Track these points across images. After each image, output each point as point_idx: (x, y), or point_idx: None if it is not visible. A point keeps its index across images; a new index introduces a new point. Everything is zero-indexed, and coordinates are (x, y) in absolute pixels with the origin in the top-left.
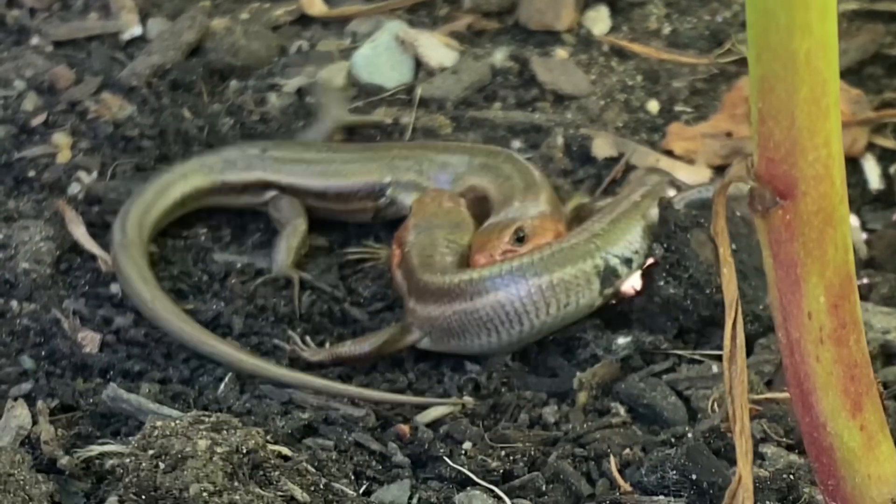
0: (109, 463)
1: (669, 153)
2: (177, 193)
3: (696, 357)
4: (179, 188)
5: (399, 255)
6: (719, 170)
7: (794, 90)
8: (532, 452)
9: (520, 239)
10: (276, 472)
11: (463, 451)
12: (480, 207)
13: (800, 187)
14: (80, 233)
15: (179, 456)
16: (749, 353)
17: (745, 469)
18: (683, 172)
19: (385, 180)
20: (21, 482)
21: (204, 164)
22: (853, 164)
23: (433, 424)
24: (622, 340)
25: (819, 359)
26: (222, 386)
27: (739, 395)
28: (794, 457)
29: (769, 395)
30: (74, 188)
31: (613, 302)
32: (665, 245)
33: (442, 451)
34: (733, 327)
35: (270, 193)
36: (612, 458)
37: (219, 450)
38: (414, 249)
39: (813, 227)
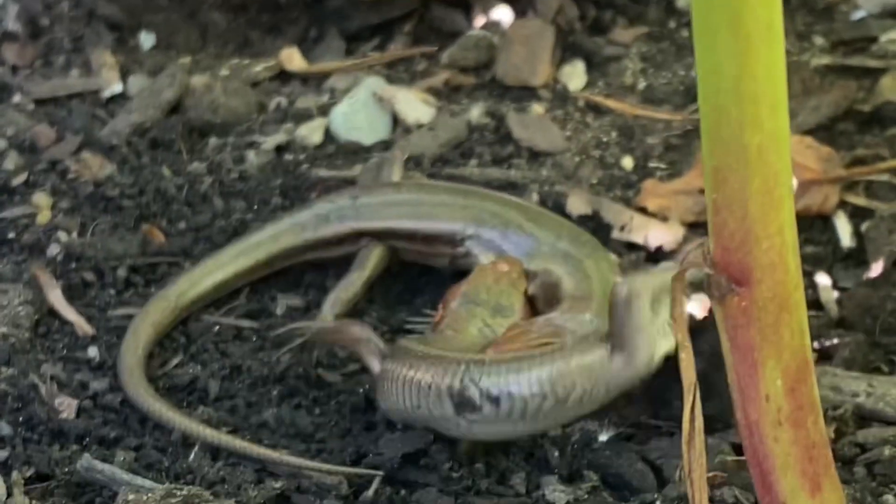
0: None
1: (643, 210)
2: (261, 255)
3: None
4: (265, 249)
5: (440, 317)
6: (692, 227)
7: (747, 182)
8: None
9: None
10: None
11: None
12: (550, 293)
13: (755, 275)
14: (55, 297)
15: None
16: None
17: None
18: (657, 230)
19: (467, 231)
20: None
21: (295, 223)
22: (825, 222)
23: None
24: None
25: (777, 440)
26: (192, 455)
27: (698, 477)
28: None
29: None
30: (53, 249)
31: None
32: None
33: None
34: (692, 411)
35: (365, 241)
36: None
37: None
38: (449, 317)
39: (769, 312)
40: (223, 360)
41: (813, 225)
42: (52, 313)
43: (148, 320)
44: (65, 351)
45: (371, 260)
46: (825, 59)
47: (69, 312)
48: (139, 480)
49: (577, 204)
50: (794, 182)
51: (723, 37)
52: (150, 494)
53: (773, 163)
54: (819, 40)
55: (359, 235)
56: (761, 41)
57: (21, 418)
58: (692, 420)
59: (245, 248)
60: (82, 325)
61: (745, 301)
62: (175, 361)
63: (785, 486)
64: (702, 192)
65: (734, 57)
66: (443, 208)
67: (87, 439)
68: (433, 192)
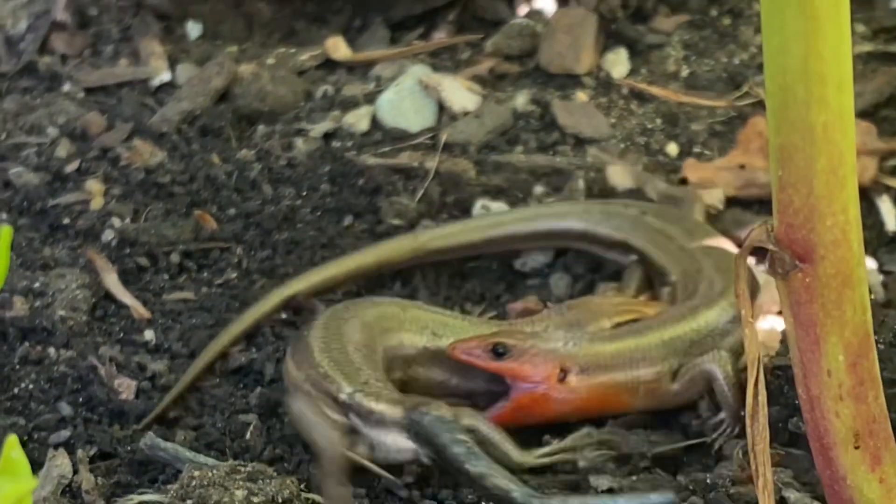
0: None
1: (684, 181)
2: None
3: None
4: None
5: None
6: (733, 200)
7: (813, 160)
8: None
9: (498, 353)
10: None
11: None
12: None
13: (818, 252)
14: (111, 281)
15: None
16: None
17: None
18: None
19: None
20: None
21: (586, 210)
22: (869, 206)
23: None
24: None
25: (839, 415)
26: (249, 433)
27: (761, 451)
28: None
29: None
30: (108, 235)
31: None
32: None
33: None
34: (755, 385)
35: (633, 257)
36: None
37: (255, 500)
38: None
39: (831, 289)
40: (277, 344)
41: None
42: (108, 297)
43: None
44: (122, 334)
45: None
46: (867, 47)
47: (125, 296)
48: (202, 458)
49: (620, 175)
50: None
51: (790, 17)
52: (214, 471)
53: (838, 141)
54: (860, 28)
55: (628, 249)
56: (828, 21)
57: (81, 399)
58: (756, 394)
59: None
60: (138, 309)
61: (809, 277)
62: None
63: (845, 461)
64: (742, 166)
65: (801, 37)
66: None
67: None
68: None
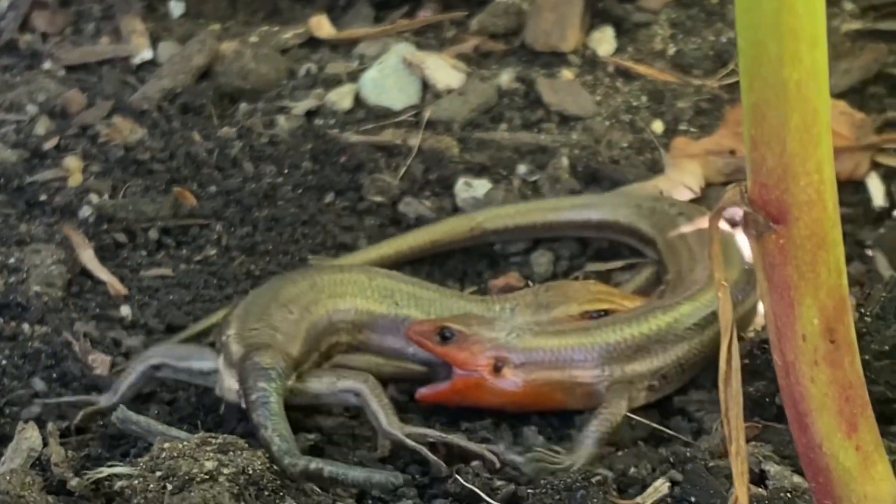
0: (118, 484)
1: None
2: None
3: None
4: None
5: None
6: (723, 185)
7: (786, 118)
8: None
9: (444, 337)
10: (282, 493)
11: (470, 470)
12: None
13: (792, 212)
14: (87, 256)
15: (186, 477)
16: None
17: (741, 490)
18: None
19: None
20: None
21: (637, 205)
22: (857, 183)
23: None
24: None
25: (814, 380)
26: (223, 408)
27: (734, 416)
28: (798, 478)
29: None
30: (85, 211)
31: None
32: None
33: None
34: (728, 350)
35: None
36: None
37: (225, 471)
38: None
39: (806, 250)
40: None
41: (846, 186)
42: (85, 273)
43: None
44: (97, 310)
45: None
46: (855, 25)
47: (101, 272)
48: (174, 431)
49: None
50: None
51: None
52: (185, 443)
53: (811, 98)
54: (849, 6)
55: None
56: None
57: (55, 375)
58: (729, 360)
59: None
60: (115, 285)
61: (783, 239)
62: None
63: (821, 427)
64: (732, 152)
65: None
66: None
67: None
68: None
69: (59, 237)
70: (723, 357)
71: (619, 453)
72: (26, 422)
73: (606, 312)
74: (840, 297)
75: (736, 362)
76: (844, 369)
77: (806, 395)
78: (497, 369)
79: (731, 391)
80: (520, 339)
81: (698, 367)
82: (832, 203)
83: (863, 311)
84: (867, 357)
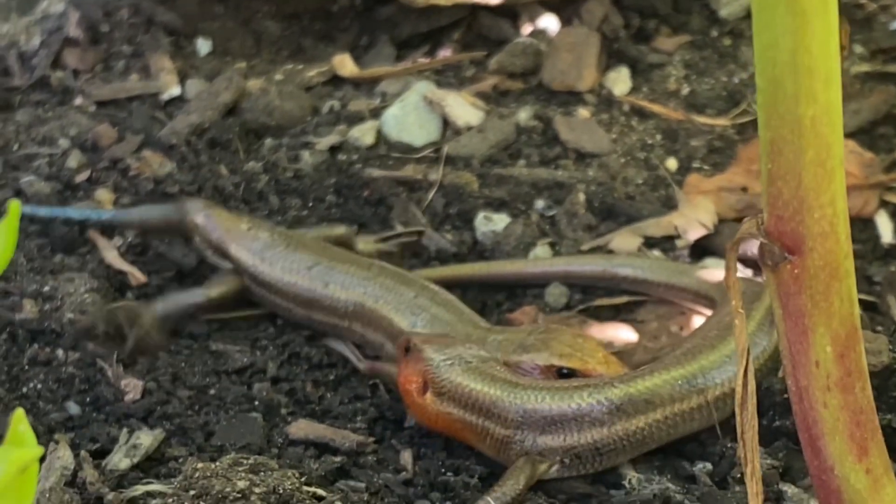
0: (153, 502)
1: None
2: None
3: None
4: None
5: None
6: (735, 221)
7: (801, 153)
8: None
9: (406, 349)
10: None
11: None
12: None
13: (807, 243)
14: (111, 256)
15: (220, 496)
16: None
17: None
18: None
19: None
20: None
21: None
22: (865, 221)
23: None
24: None
25: (826, 405)
26: (255, 430)
27: (750, 438)
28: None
29: None
30: (116, 242)
31: None
32: None
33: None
34: (744, 375)
35: None
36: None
37: (257, 490)
38: None
39: (819, 280)
40: (280, 342)
41: (854, 223)
42: (116, 301)
43: None
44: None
45: None
46: (865, 67)
47: (125, 265)
48: (207, 452)
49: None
50: None
51: (780, 13)
52: (217, 463)
53: (826, 134)
54: (859, 49)
55: None
56: (816, 16)
57: (88, 399)
58: (745, 384)
59: None
60: (136, 274)
61: (797, 269)
62: (237, 348)
63: (833, 451)
64: (744, 189)
65: (790, 31)
66: None
67: (152, 418)
68: None
69: (92, 266)
70: (739, 381)
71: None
72: (57, 443)
73: (572, 371)
74: (852, 325)
75: (751, 387)
76: (856, 395)
77: (818, 419)
78: (423, 390)
79: (747, 415)
80: (450, 370)
81: (622, 455)
82: (845, 235)
83: (892, 347)
84: None
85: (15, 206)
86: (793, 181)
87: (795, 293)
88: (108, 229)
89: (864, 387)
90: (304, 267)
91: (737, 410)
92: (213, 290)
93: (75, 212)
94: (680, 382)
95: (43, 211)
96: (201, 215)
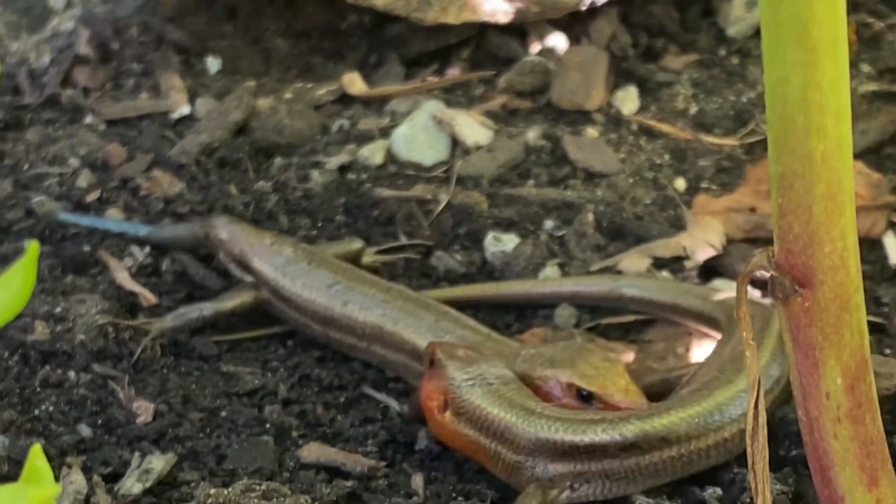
0: None
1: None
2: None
3: None
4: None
5: None
6: (744, 242)
7: (812, 187)
8: None
9: (432, 362)
10: None
11: None
12: None
13: (817, 277)
14: (122, 277)
15: None
16: None
17: None
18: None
19: None
20: None
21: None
22: (873, 242)
23: None
24: None
25: (837, 436)
26: (267, 454)
27: (761, 469)
28: None
29: None
30: (127, 262)
31: None
32: None
33: None
34: (755, 406)
35: None
36: None
37: None
38: None
39: (830, 313)
40: (289, 364)
41: (862, 244)
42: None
43: None
44: (141, 357)
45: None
46: (872, 86)
47: (135, 286)
48: (219, 477)
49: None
50: None
51: (791, 49)
52: (230, 489)
53: (836, 169)
54: (866, 68)
55: None
56: (827, 53)
57: (100, 421)
58: (756, 415)
59: None
60: (146, 295)
61: (808, 302)
62: (248, 370)
63: (843, 481)
64: (752, 209)
65: (801, 68)
66: None
67: (164, 441)
68: None
69: (103, 287)
70: (750, 412)
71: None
72: (70, 467)
73: (591, 395)
74: (862, 357)
75: (762, 418)
76: (866, 426)
77: (829, 450)
78: (443, 408)
79: (758, 445)
80: (470, 391)
81: (634, 486)
82: (855, 268)
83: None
84: None
85: (34, 248)
86: (803, 215)
87: (806, 326)
88: (120, 249)
89: (875, 418)
90: (324, 285)
91: (748, 442)
92: (226, 303)
93: (114, 224)
94: (697, 420)
95: (84, 220)
96: (225, 230)
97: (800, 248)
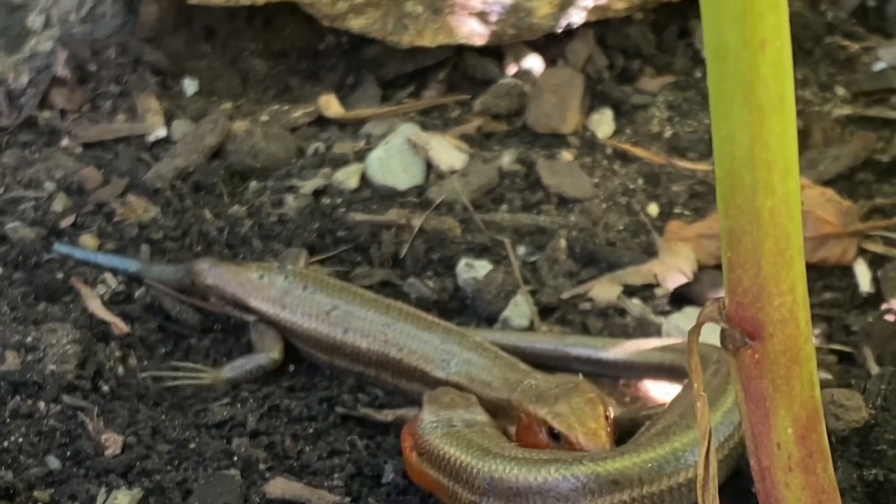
0: None
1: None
2: None
3: None
4: None
5: None
6: (716, 268)
7: (760, 243)
8: None
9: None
10: None
11: None
12: None
13: (767, 329)
14: (95, 305)
15: None
16: None
17: None
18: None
19: None
20: None
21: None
22: (844, 269)
23: None
24: None
25: (788, 485)
26: (233, 489)
27: None
28: None
29: None
30: (101, 289)
31: None
32: None
33: None
34: (706, 457)
35: None
36: None
37: None
38: None
39: (780, 365)
40: (259, 395)
41: (833, 271)
42: (98, 354)
43: None
44: (111, 388)
45: None
46: (846, 110)
47: (108, 315)
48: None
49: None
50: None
51: (737, 107)
52: None
53: (784, 225)
54: (841, 91)
55: None
56: (773, 112)
57: (69, 453)
58: (707, 466)
59: None
60: (119, 325)
61: (758, 354)
62: (217, 402)
63: None
64: None
65: (748, 127)
66: None
67: (131, 474)
68: None
69: (75, 316)
70: (700, 462)
71: None
72: (36, 502)
73: (559, 434)
74: (813, 407)
75: (713, 469)
76: (817, 475)
77: (780, 499)
78: (413, 448)
79: (709, 496)
80: (432, 433)
81: None
82: (805, 321)
83: (867, 403)
84: (883, 447)
85: None
86: (752, 269)
87: (756, 377)
88: (93, 277)
89: (826, 467)
90: (322, 311)
91: (698, 493)
92: (275, 350)
93: (105, 259)
94: (650, 465)
95: (78, 253)
96: (210, 276)
97: (749, 301)
